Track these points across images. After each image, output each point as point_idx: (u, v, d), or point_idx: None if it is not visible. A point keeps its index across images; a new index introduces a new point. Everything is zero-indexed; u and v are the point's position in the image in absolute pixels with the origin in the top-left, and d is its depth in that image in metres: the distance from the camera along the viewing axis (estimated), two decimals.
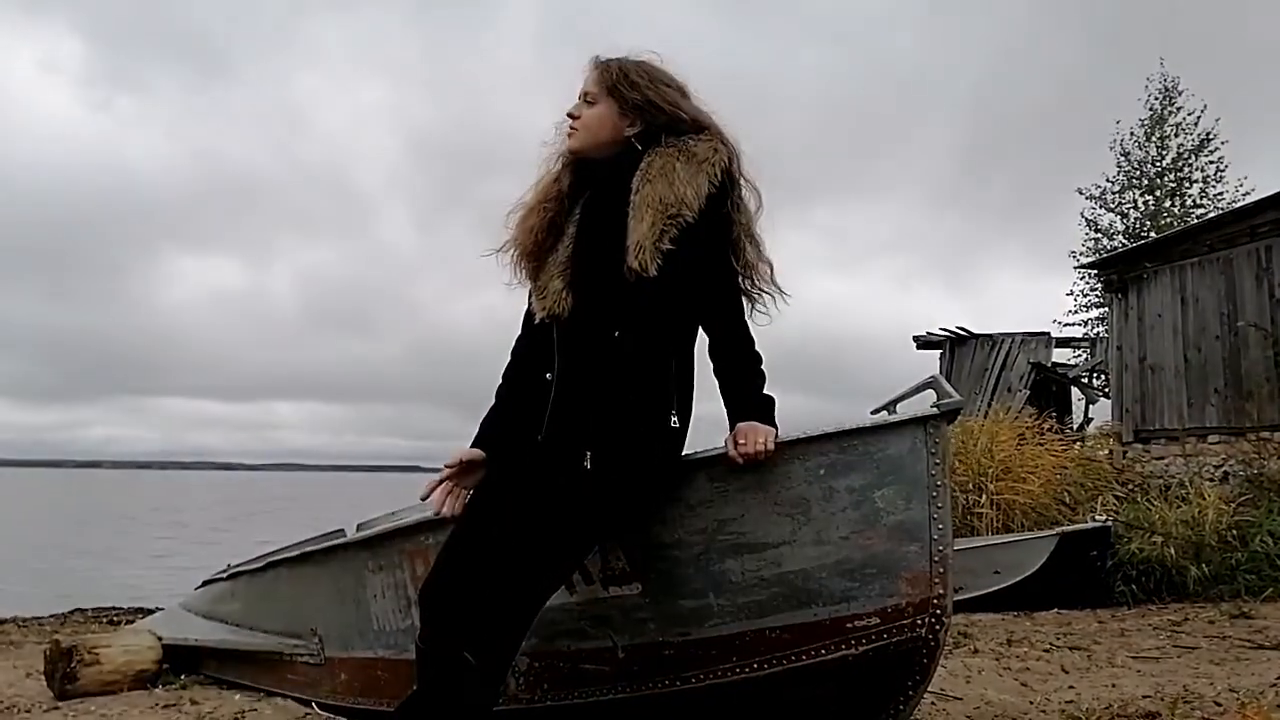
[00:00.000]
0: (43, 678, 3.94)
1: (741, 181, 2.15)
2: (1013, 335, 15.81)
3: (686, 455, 2.08)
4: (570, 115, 2.17)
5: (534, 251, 2.18)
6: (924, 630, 1.97)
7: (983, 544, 7.59)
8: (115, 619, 7.86)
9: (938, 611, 1.96)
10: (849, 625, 2.00)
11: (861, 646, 2.00)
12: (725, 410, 2.09)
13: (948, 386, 2.02)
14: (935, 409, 1.97)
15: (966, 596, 6.65)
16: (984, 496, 8.69)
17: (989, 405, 12.92)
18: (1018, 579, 7.03)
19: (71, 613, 8.71)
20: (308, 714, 3.11)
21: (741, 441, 2.01)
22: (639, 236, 2.00)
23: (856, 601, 1.99)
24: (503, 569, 1.94)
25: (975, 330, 16.29)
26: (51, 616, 8.45)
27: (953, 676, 3.68)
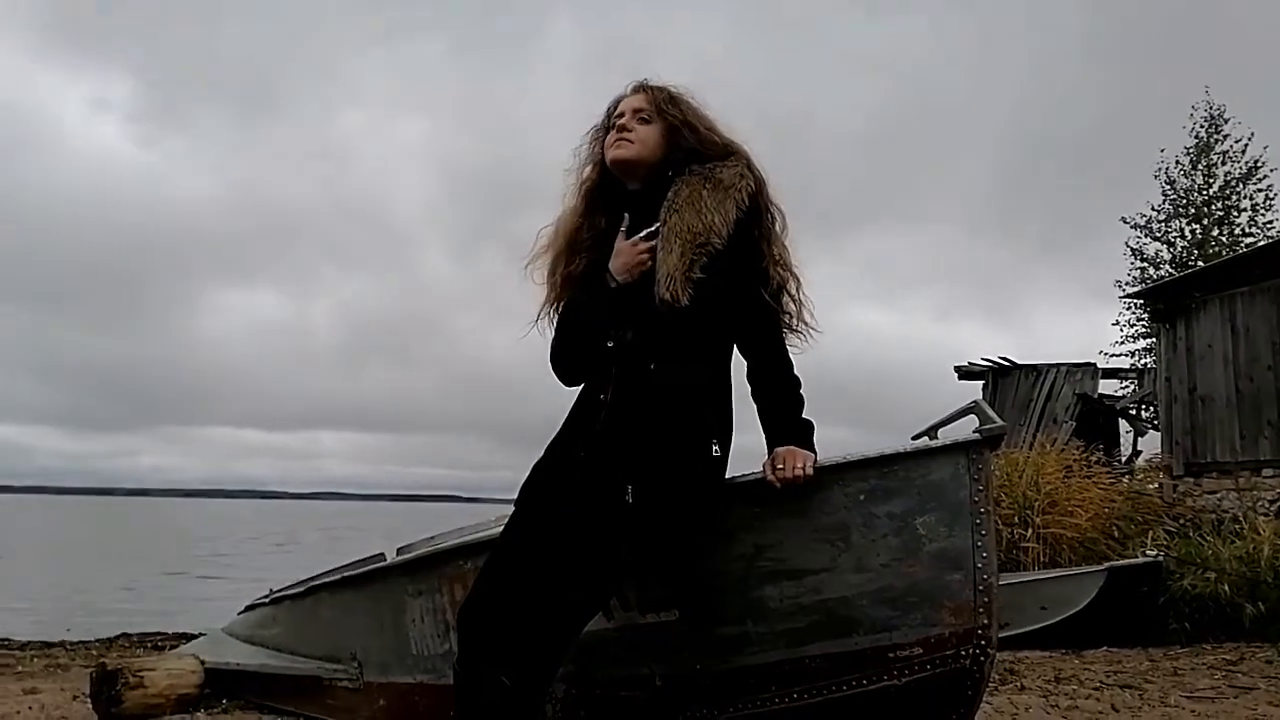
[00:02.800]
0: (89, 700, 4.00)
1: (769, 206, 2.16)
2: (1057, 366, 15.57)
3: (725, 480, 2.08)
4: (624, 128, 2.15)
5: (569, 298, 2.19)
6: (968, 661, 1.93)
7: (1029, 579, 7.42)
8: (160, 644, 7.95)
9: (982, 642, 1.93)
10: (891, 655, 1.97)
11: (904, 677, 1.96)
12: (764, 435, 2.08)
13: (990, 411, 2.00)
14: (977, 434, 1.95)
15: (1012, 633, 6.49)
16: (1030, 530, 8.51)
17: (1034, 437, 12.69)
18: (1065, 615, 6.85)
19: (118, 637, 8.81)
20: None
21: (779, 466, 1.99)
22: (669, 268, 2.00)
23: (898, 631, 1.96)
24: (541, 594, 1.94)
25: (1018, 361, 16.06)
26: (98, 641, 8.55)
27: (998, 714, 3.60)
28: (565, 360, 2.20)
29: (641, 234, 2.09)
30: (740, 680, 2.09)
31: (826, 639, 2.01)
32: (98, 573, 18.10)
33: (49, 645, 8.25)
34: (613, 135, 2.16)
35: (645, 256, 2.06)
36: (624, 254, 2.09)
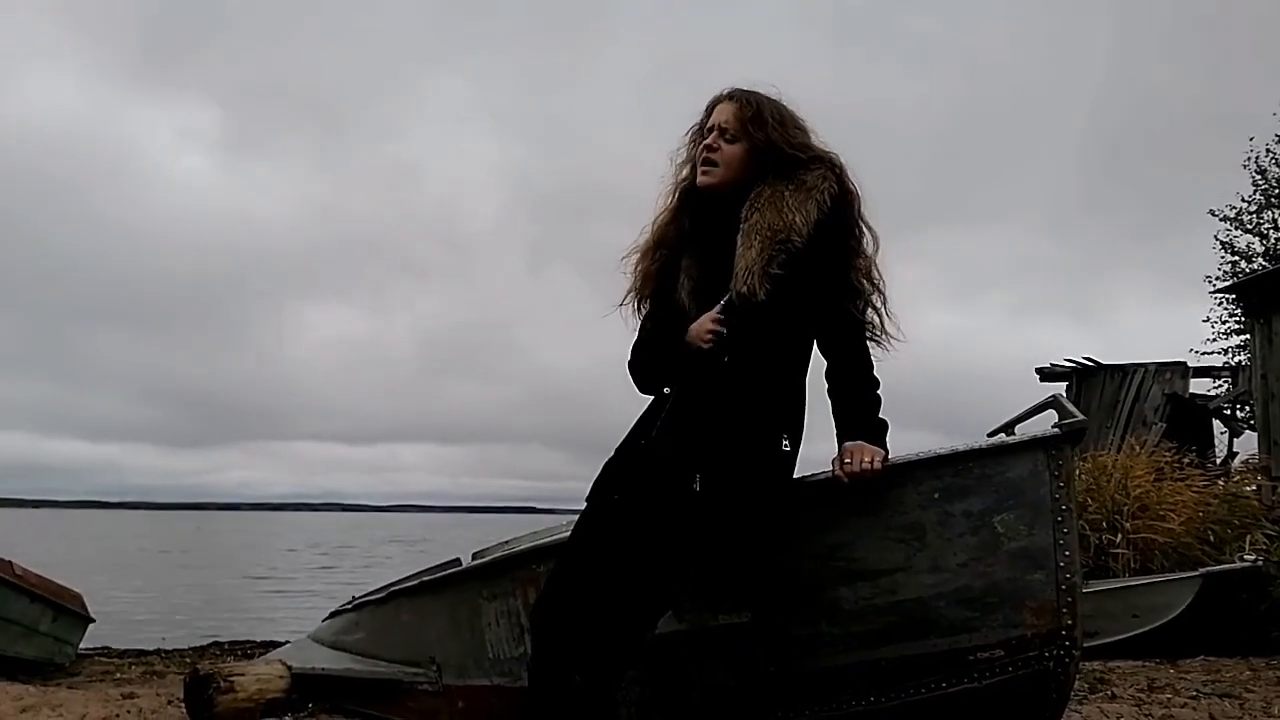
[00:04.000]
0: (183, 704, 4.14)
1: (860, 224, 2.14)
2: (1145, 365, 15.01)
3: (796, 478, 2.06)
4: (709, 148, 2.16)
5: (652, 293, 2.22)
6: (1052, 663, 1.88)
7: (1119, 586, 7.15)
8: (249, 652, 8.19)
9: (1067, 644, 1.87)
10: (970, 657, 1.93)
11: (985, 680, 1.92)
12: (835, 432, 2.06)
13: (1070, 406, 1.94)
14: (1057, 429, 1.89)
15: (1102, 642, 6.27)
16: (1119, 535, 8.21)
17: (1122, 439, 12.25)
18: (1159, 623, 6.59)
19: (209, 645, 9.12)
20: None
21: (847, 460, 1.98)
22: (747, 262, 2.02)
23: (978, 632, 1.92)
24: (611, 591, 1.95)
25: (1103, 361, 15.53)
26: (192, 649, 8.86)
27: None
28: (641, 378, 2.23)
29: (716, 308, 2.07)
30: (814, 683, 2.06)
31: (902, 641, 1.97)
32: (191, 585, 18.77)
33: (145, 653, 8.59)
34: (701, 152, 2.18)
35: (711, 335, 2.04)
36: (700, 324, 2.08)
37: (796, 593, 2.06)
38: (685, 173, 2.25)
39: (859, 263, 2.11)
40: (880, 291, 2.14)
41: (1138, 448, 9.81)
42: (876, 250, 2.14)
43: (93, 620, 7.68)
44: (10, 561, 6.21)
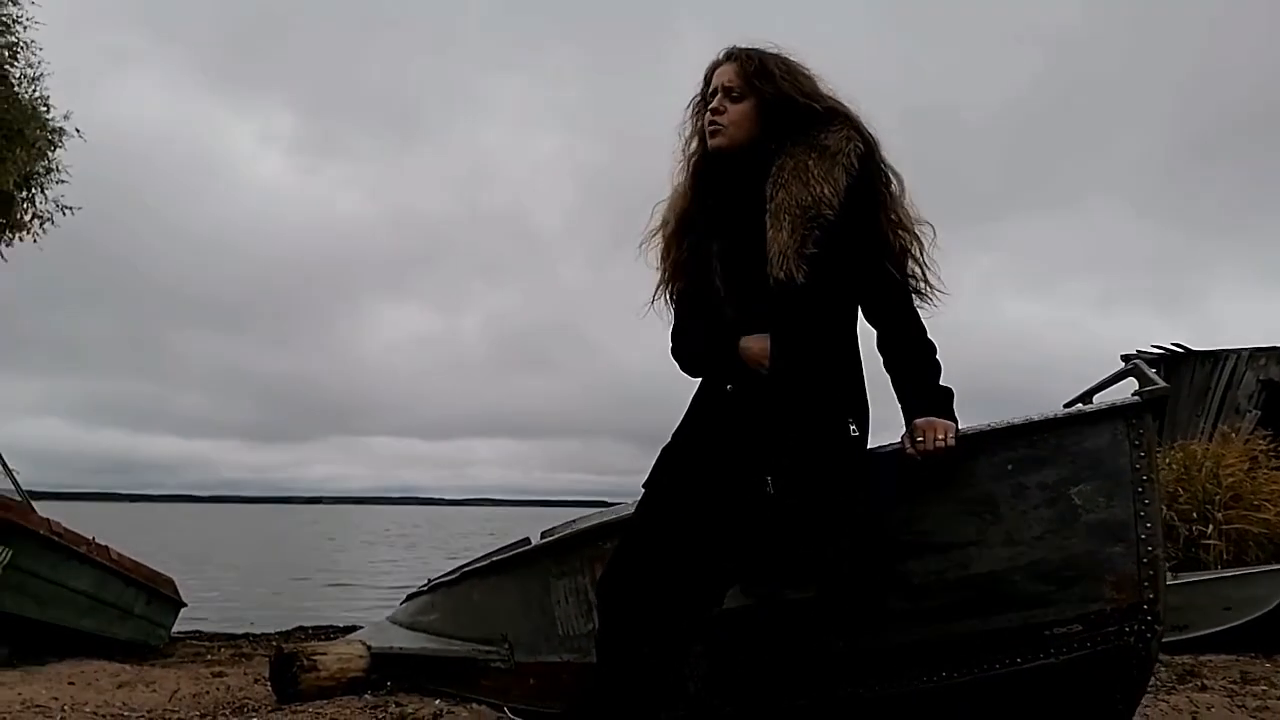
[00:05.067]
0: (268, 682, 4.28)
1: (885, 172, 2.04)
2: (1238, 351, 14.35)
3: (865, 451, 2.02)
4: (714, 111, 2.08)
5: (685, 286, 2.13)
6: (1133, 639, 1.82)
7: (1210, 577, 6.88)
8: (331, 635, 8.43)
9: (1148, 619, 1.81)
10: (1047, 633, 1.87)
11: (1062, 656, 1.86)
12: (899, 404, 2.00)
13: (1151, 373, 1.87)
14: (1137, 397, 1.83)
15: (1193, 635, 6.04)
16: (1210, 526, 7.90)
17: (1213, 428, 11.77)
18: (1253, 616, 6.31)
19: (294, 630, 9.42)
20: (499, 718, 3.21)
21: (919, 438, 1.92)
22: (780, 245, 1.93)
23: (1055, 607, 1.87)
24: (677, 568, 1.94)
25: (1193, 348, 14.92)
26: (278, 633, 9.17)
27: (1176, 712, 3.35)
28: (684, 360, 2.17)
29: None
30: (883, 659, 2.03)
31: (975, 616, 1.92)
32: (277, 574, 19.41)
33: (234, 637, 8.94)
34: (706, 117, 2.09)
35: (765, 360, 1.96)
36: (758, 346, 1.98)
37: (865, 567, 2.02)
38: (694, 146, 2.16)
39: (893, 216, 2.02)
40: (917, 238, 2.04)
41: (1232, 436, 9.42)
42: (904, 193, 2.05)
43: (184, 604, 8.00)
44: (106, 546, 6.50)
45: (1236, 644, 6.12)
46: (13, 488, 6.43)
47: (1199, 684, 4.17)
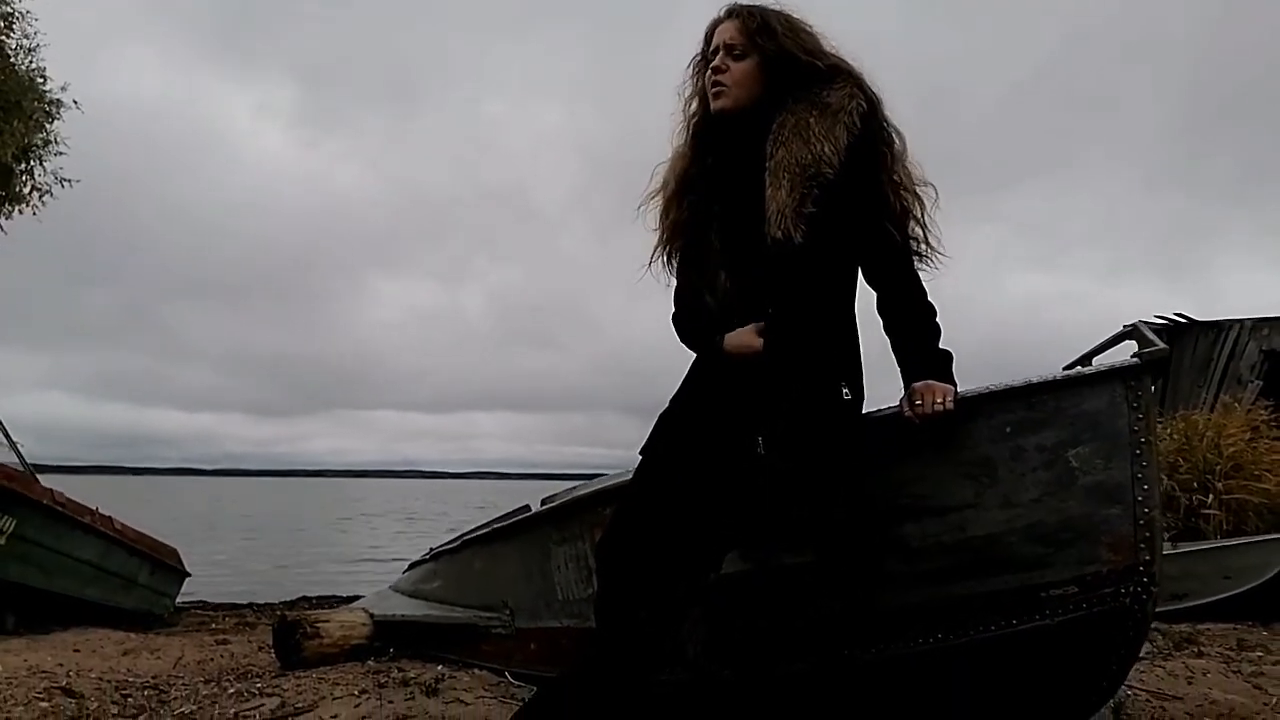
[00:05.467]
0: (272, 650, 4.32)
1: (887, 129, 2.01)
2: (1241, 321, 14.33)
3: (860, 421, 2.01)
4: (716, 70, 2.04)
5: (685, 245, 2.11)
6: (1128, 600, 1.82)
7: (1210, 546, 6.90)
8: (334, 604, 8.51)
9: (1145, 580, 1.81)
10: (1043, 594, 1.88)
11: (1058, 617, 1.87)
12: (898, 367, 2.00)
13: (1150, 335, 1.85)
14: (1136, 359, 1.82)
15: (1192, 604, 6.07)
16: (1210, 496, 7.92)
17: (1215, 398, 11.76)
18: (1252, 585, 6.34)
19: (298, 600, 9.51)
20: (500, 682, 3.24)
21: (918, 401, 1.92)
22: (779, 204, 1.90)
23: (1051, 569, 1.87)
24: (673, 536, 1.94)
25: (1196, 318, 14.89)
26: (281, 603, 9.26)
27: (1172, 677, 3.37)
28: (680, 335, 2.16)
29: (756, 326, 1.97)
30: (880, 621, 2.04)
31: (972, 578, 1.93)
32: (281, 546, 19.54)
33: (238, 606, 9.02)
34: (709, 76, 2.06)
35: (752, 354, 1.96)
36: (742, 340, 1.98)
37: (862, 531, 2.02)
38: (695, 106, 2.13)
39: (895, 177, 1.99)
40: (919, 199, 2.02)
41: (1234, 406, 9.42)
42: (905, 152, 2.02)
43: (188, 574, 8.05)
44: (110, 517, 6.54)
45: (1235, 613, 6.15)
46: (16, 460, 6.46)
47: (1196, 650, 4.19)
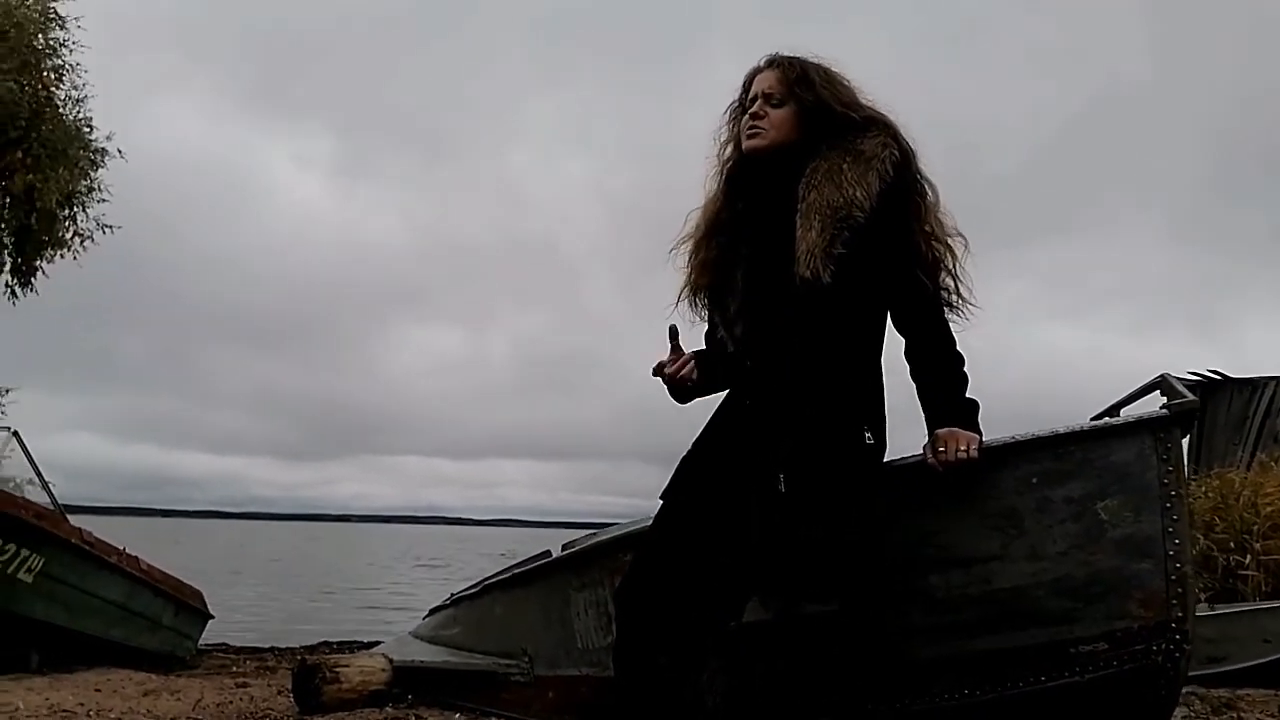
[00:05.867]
0: (291, 694, 4.30)
1: (921, 182, 2.03)
2: (1276, 378, 14.09)
3: (885, 462, 2.00)
4: (755, 115, 2.08)
5: (711, 285, 2.13)
6: (1161, 658, 1.77)
7: (1248, 609, 6.72)
8: (355, 649, 8.47)
9: (1177, 637, 1.77)
10: (1072, 650, 1.84)
11: (1088, 674, 1.82)
12: (923, 413, 1.98)
13: (1179, 385, 1.83)
14: (1165, 410, 1.79)
15: (1230, 668, 5.89)
16: (1248, 557, 7.73)
17: (1252, 456, 11.52)
18: None
19: (319, 644, 9.47)
20: None
21: (941, 449, 1.90)
22: (809, 244, 1.92)
23: (1080, 624, 1.83)
24: (694, 580, 1.93)
25: (1230, 375, 14.66)
26: (303, 647, 9.22)
27: None
28: None
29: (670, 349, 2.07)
30: (905, 675, 2.00)
31: (998, 632, 1.89)
32: (304, 590, 19.53)
33: (259, 650, 8.99)
34: (746, 121, 2.10)
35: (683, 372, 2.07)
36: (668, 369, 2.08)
37: (886, 581, 2.00)
38: (729, 151, 2.16)
39: (927, 226, 2.01)
40: (950, 250, 2.03)
41: (1271, 464, 9.23)
42: (938, 204, 2.04)
43: (212, 616, 8.06)
44: (136, 557, 6.57)
45: (1276, 678, 5.96)
46: (47, 499, 6.53)
47: (1235, 716, 4.06)
